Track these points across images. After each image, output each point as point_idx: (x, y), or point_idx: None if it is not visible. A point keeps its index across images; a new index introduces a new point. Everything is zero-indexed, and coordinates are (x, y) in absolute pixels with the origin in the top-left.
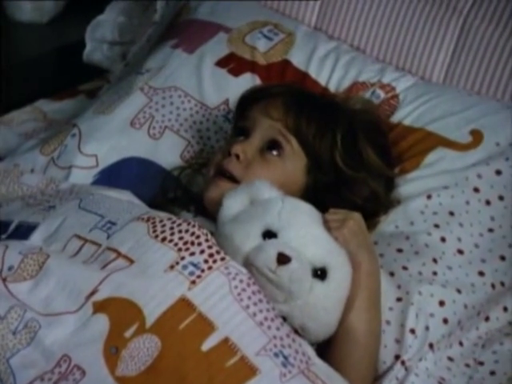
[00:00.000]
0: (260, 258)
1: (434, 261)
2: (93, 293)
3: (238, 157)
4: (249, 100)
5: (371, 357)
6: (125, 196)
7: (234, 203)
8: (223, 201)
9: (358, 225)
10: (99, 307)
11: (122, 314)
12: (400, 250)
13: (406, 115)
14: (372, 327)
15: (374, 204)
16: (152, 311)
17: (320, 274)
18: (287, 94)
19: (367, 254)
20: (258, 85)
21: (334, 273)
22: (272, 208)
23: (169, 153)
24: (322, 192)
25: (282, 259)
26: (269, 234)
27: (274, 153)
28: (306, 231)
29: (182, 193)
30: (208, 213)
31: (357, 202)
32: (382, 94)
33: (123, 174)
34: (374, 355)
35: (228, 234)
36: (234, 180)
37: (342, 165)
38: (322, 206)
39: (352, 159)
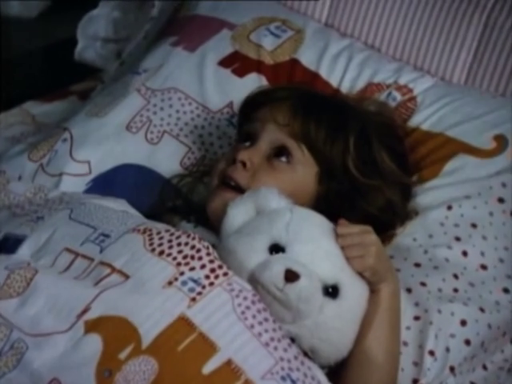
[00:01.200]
0: (266, 274)
1: (455, 277)
2: (84, 311)
3: (244, 164)
4: (253, 103)
5: (389, 381)
6: (119, 205)
7: (238, 213)
8: (227, 210)
9: (379, 246)
10: (91, 327)
11: (116, 333)
12: (418, 265)
13: (424, 119)
14: (392, 349)
15: (390, 214)
16: (149, 331)
17: (331, 291)
18: (294, 97)
19: (390, 275)
20: (263, 87)
21: (346, 290)
22: (279, 220)
23: (168, 159)
24: (335, 201)
25: (290, 276)
26: (276, 249)
27: (283, 159)
28: (316, 245)
29: (182, 202)
30: (209, 224)
31: (372, 212)
32: (398, 96)
33: (118, 182)
34: (392, 380)
35: (232, 247)
36: (240, 189)
37: (355, 171)
38: (334, 217)
39: (366, 165)
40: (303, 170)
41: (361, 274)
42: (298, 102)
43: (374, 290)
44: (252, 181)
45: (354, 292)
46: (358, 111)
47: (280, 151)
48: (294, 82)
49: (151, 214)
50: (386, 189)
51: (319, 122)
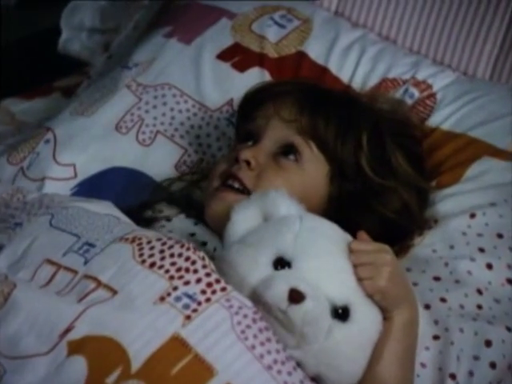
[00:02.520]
0: (268, 293)
1: (479, 292)
2: (68, 330)
3: (248, 164)
4: (254, 100)
5: None
6: (105, 208)
7: (244, 219)
8: (231, 215)
9: (394, 268)
10: (75, 348)
11: (102, 355)
12: (437, 279)
13: (444, 118)
14: (404, 382)
15: (408, 219)
16: (139, 352)
17: (341, 313)
18: (299, 91)
19: (405, 301)
20: (265, 82)
21: (358, 313)
22: (287, 230)
23: (161, 163)
24: (348, 203)
25: (295, 297)
26: (281, 263)
27: (291, 158)
28: (326, 261)
29: (181, 196)
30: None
31: (388, 215)
32: (416, 93)
33: (106, 187)
34: None
35: (233, 260)
36: (244, 191)
37: (370, 171)
38: (349, 222)
39: (380, 165)
40: (313, 169)
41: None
42: (304, 96)
43: (386, 318)
44: (258, 181)
45: (367, 315)
46: (369, 107)
47: (287, 149)
48: (298, 77)
49: (141, 206)
50: (401, 191)
51: (328, 117)
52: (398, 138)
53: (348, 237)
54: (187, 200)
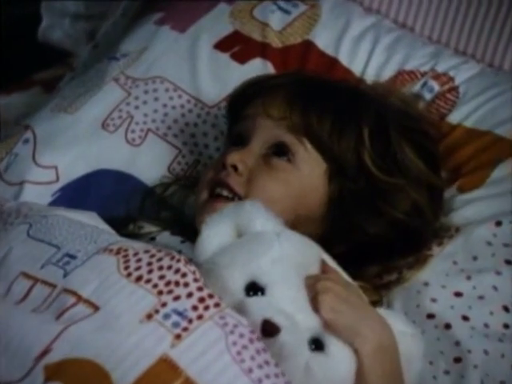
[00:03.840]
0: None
1: (505, 309)
2: (44, 353)
3: (235, 168)
4: (243, 98)
5: None
6: (88, 219)
7: (216, 233)
8: (202, 229)
9: (336, 293)
10: (53, 373)
11: (83, 381)
12: (459, 294)
13: (467, 114)
14: None
15: (419, 220)
16: (123, 376)
17: (318, 346)
18: (291, 84)
19: (362, 327)
20: (254, 77)
21: (332, 345)
22: (262, 250)
23: (153, 165)
24: (351, 204)
25: (269, 329)
26: (254, 289)
27: (283, 158)
28: (300, 291)
29: (168, 211)
30: None
31: (396, 217)
32: (436, 87)
33: (91, 191)
34: None
35: (208, 278)
36: (234, 198)
37: (374, 168)
38: (351, 225)
39: (384, 161)
40: (309, 168)
41: None
42: (294, 90)
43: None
44: (249, 186)
45: (340, 347)
46: (372, 97)
47: (278, 150)
48: (295, 69)
49: (126, 221)
50: (410, 189)
51: (322, 111)
52: (405, 131)
53: (327, 259)
54: (175, 216)
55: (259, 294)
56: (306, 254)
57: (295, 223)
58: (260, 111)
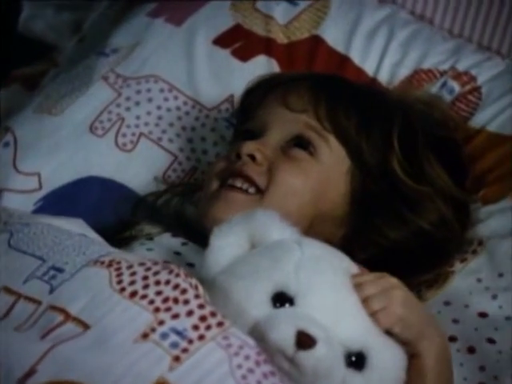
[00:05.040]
0: (271, 336)
1: None
2: (28, 375)
3: (253, 158)
4: (258, 93)
5: None
6: (75, 227)
7: (227, 245)
8: (211, 240)
9: (404, 290)
10: None
11: None
12: (484, 315)
13: (491, 117)
14: None
15: (445, 233)
16: None
17: (356, 360)
18: (311, 78)
19: (431, 328)
20: (269, 74)
21: (375, 358)
22: (286, 259)
23: (145, 172)
24: (373, 207)
25: (304, 341)
26: (282, 300)
27: (304, 151)
28: (334, 296)
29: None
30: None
31: (422, 226)
32: (456, 87)
33: (78, 201)
34: None
35: (224, 289)
36: (252, 191)
37: (401, 173)
38: (373, 231)
39: (412, 167)
40: (331, 163)
41: (390, 334)
42: (318, 83)
43: (413, 355)
44: (270, 177)
45: (386, 358)
46: (400, 99)
47: (298, 142)
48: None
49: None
50: (437, 200)
51: (349, 107)
52: (432, 139)
53: (351, 266)
54: (177, 216)
55: (287, 305)
56: (334, 260)
57: (315, 220)
58: (279, 102)
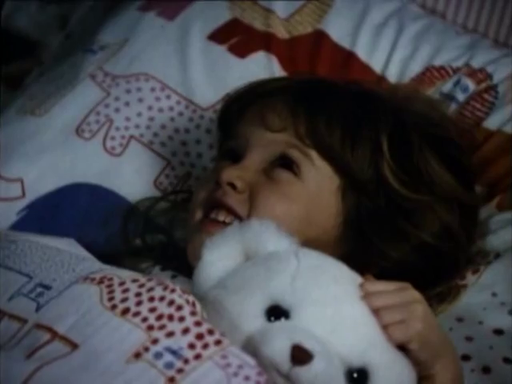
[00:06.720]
0: (264, 351)
1: None
2: None
3: (233, 186)
4: (235, 108)
5: None
6: (66, 246)
7: (219, 257)
8: (202, 253)
9: (425, 306)
10: None
11: None
12: (499, 332)
13: (508, 118)
14: None
15: (450, 244)
16: None
17: (357, 378)
18: (288, 89)
19: (447, 349)
20: (250, 83)
21: (379, 376)
22: (281, 270)
23: (136, 177)
24: (370, 225)
25: (300, 356)
26: (276, 313)
27: (288, 171)
28: (335, 308)
29: (154, 239)
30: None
31: (424, 240)
32: (470, 85)
33: (64, 209)
34: None
35: (217, 304)
36: (232, 224)
37: (395, 182)
38: (371, 250)
39: (408, 175)
40: (318, 183)
41: (403, 349)
42: (295, 94)
43: (424, 377)
44: (251, 205)
45: (392, 378)
46: (386, 99)
47: (281, 163)
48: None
49: (108, 256)
50: (438, 207)
51: (330, 116)
52: (429, 138)
53: (357, 277)
54: (163, 242)
55: (282, 318)
56: (334, 270)
57: (306, 246)
58: (256, 122)
